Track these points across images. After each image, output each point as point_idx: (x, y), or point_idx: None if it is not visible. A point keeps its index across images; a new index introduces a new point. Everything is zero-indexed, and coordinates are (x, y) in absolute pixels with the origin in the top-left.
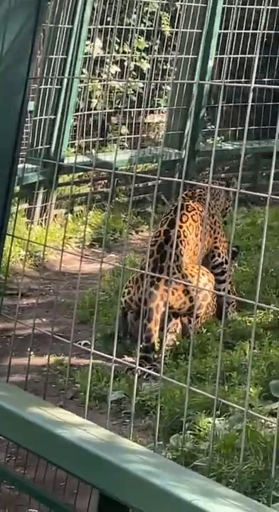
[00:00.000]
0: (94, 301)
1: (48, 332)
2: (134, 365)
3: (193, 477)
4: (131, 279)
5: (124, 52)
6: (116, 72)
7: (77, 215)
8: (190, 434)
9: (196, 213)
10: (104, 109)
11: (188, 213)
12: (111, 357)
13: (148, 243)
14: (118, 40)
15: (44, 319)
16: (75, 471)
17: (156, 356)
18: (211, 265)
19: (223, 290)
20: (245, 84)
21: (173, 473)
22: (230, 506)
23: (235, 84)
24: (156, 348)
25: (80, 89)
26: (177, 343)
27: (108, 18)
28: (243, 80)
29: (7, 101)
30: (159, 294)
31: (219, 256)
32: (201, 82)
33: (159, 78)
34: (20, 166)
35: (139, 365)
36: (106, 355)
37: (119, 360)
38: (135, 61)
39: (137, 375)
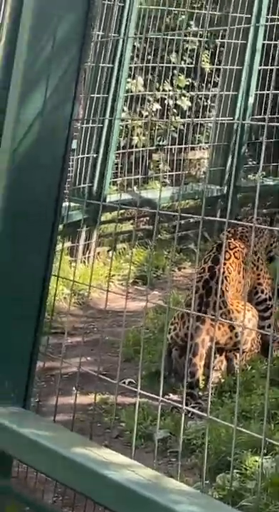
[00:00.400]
0: (138, 338)
1: (93, 372)
2: (180, 405)
3: None
4: (176, 316)
5: (164, 90)
6: (157, 109)
7: (119, 253)
8: (237, 473)
9: (238, 251)
10: (146, 146)
11: (231, 251)
12: (157, 397)
13: (193, 280)
14: (158, 79)
15: (89, 358)
16: (121, 511)
17: (200, 393)
18: (255, 301)
19: (268, 327)
20: None
21: None
22: None
23: (277, 124)
24: (201, 384)
25: (121, 127)
26: (222, 380)
27: (149, 57)
28: None
29: (52, 141)
30: (205, 329)
31: (263, 292)
32: (242, 122)
33: (200, 115)
34: (64, 204)
35: (185, 403)
36: (152, 395)
37: (165, 399)
38: (176, 99)
39: (183, 414)
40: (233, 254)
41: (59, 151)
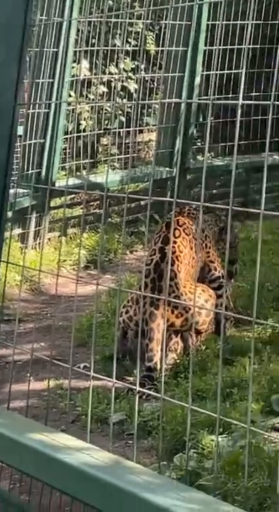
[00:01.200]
0: (91, 323)
1: (47, 356)
2: (134, 387)
3: (198, 496)
4: (130, 299)
5: (110, 73)
6: (103, 92)
7: (70, 238)
8: (193, 452)
9: (187, 227)
10: (94, 130)
11: (180, 227)
12: (111, 380)
13: (144, 263)
14: (104, 62)
15: (42, 343)
16: (79, 495)
17: (158, 376)
18: (208, 279)
19: (221, 305)
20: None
21: (178, 493)
22: None
23: (224, 102)
24: (159, 367)
25: (68, 112)
26: (177, 361)
27: (93, 40)
28: (230, 95)
29: None
30: (159, 314)
31: (216, 270)
32: (188, 101)
33: (147, 97)
34: (11, 191)
35: (142, 384)
36: (106, 378)
37: (119, 382)
38: (122, 81)
39: (137, 396)
40: (183, 230)
41: (3, 136)
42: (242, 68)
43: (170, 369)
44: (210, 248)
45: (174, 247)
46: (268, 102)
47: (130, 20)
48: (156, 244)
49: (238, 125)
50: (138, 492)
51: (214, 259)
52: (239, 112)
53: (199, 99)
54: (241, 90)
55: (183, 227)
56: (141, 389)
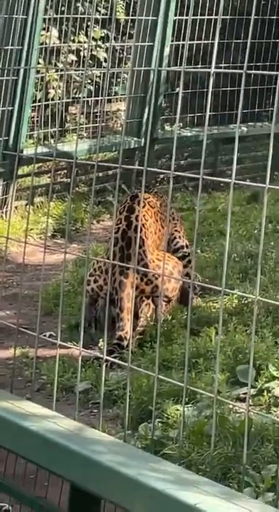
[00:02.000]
0: (58, 292)
1: (13, 325)
2: (101, 355)
3: (163, 465)
4: (97, 268)
5: (79, 41)
6: (73, 61)
7: (37, 206)
8: (159, 422)
9: (152, 201)
10: (62, 99)
11: (145, 200)
12: (77, 348)
13: (112, 232)
14: (73, 30)
15: (8, 312)
16: (44, 463)
17: (127, 344)
18: (172, 248)
19: (186, 275)
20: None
21: (143, 462)
22: (201, 493)
23: (195, 70)
24: (129, 336)
25: (36, 80)
26: (147, 328)
27: (63, 8)
28: (199, 65)
29: None
30: (129, 282)
31: (180, 239)
32: (159, 68)
33: (116, 66)
34: None
35: (112, 351)
36: (72, 346)
37: (86, 350)
38: (91, 50)
39: (104, 365)
40: (148, 203)
41: None
42: (215, 39)
43: (142, 332)
44: (177, 221)
45: (138, 215)
46: (241, 71)
47: None
48: (121, 214)
49: (209, 95)
50: (103, 460)
51: (180, 228)
52: (211, 81)
53: (170, 68)
54: (213, 60)
55: (148, 200)
56: (108, 357)
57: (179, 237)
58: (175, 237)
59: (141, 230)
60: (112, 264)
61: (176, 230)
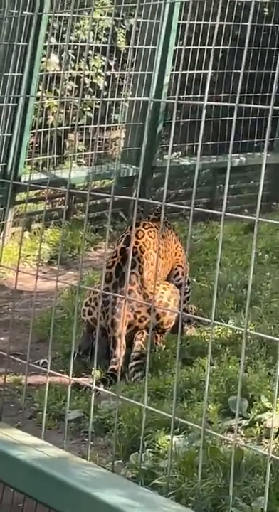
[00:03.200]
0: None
1: (4, 352)
2: (90, 385)
3: (150, 496)
4: (92, 298)
5: (80, 69)
6: (72, 88)
7: (35, 233)
8: (149, 452)
9: (153, 230)
10: (61, 125)
11: (145, 230)
12: (67, 377)
13: (104, 262)
14: (74, 58)
15: (2, 338)
16: (31, 492)
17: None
18: (174, 284)
19: (183, 310)
20: (197, 102)
21: (131, 492)
22: None
23: (189, 102)
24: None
25: (36, 107)
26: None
27: (64, 35)
28: (198, 95)
29: None
30: (121, 321)
31: (182, 275)
32: (154, 100)
33: (116, 94)
34: None
35: (104, 381)
36: (62, 375)
37: (76, 379)
38: (91, 78)
39: (94, 394)
40: (147, 233)
41: None
42: (208, 69)
43: (137, 357)
44: (180, 256)
45: (135, 247)
46: (233, 104)
47: (101, 17)
48: (118, 245)
49: (202, 125)
50: (90, 491)
51: (182, 264)
52: (204, 112)
53: (166, 99)
54: (206, 91)
55: (149, 230)
56: (97, 387)
57: (182, 273)
58: (178, 273)
59: (135, 265)
60: (105, 301)
61: (178, 265)
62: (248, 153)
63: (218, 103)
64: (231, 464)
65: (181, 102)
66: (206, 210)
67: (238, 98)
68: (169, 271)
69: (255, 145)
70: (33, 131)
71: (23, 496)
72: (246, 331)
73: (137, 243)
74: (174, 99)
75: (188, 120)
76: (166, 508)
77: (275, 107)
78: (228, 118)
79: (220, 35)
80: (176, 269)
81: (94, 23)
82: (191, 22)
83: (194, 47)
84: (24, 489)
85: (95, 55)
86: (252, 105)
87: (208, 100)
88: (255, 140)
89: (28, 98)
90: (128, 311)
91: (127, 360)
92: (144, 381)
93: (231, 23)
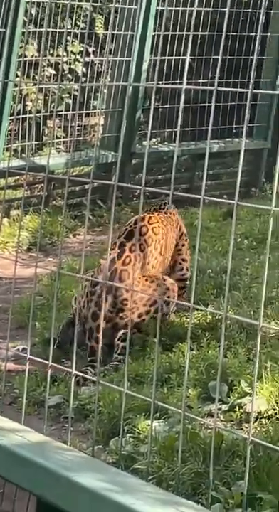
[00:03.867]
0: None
1: None
2: (70, 370)
3: (132, 481)
4: (83, 286)
5: (58, 55)
6: (51, 74)
7: (13, 220)
8: (130, 437)
9: (159, 226)
10: (39, 112)
11: (149, 225)
12: (47, 362)
13: (83, 245)
14: (53, 43)
15: None
16: (11, 477)
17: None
18: (177, 277)
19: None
20: (175, 86)
21: (111, 477)
22: (168, 509)
23: (167, 86)
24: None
25: (15, 93)
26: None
27: (42, 22)
28: (178, 81)
29: None
30: (102, 315)
31: (187, 270)
32: (133, 84)
33: (94, 81)
34: None
35: (85, 372)
36: (42, 361)
37: (56, 365)
38: (70, 64)
39: (73, 380)
40: (152, 229)
41: None
42: (187, 54)
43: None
44: (185, 242)
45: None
46: (212, 88)
47: (79, 3)
48: (119, 238)
49: (181, 110)
50: (70, 475)
51: (187, 258)
52: (182, 97)
53: (143, 84)
54: (185, 75)
55: (154, 225)
56: (77, 372)
57: (186, 268)
58: (182, 268)
59: (130, 261)
60: (90, 291)
61: (183, 260)
62: (227, 140)
63: (197, 87)
64: (211, 449)
65: (160, 86)
66: (185, 194)
67: (216, 82)
68: (168, 264)
69: (234, 131)
70: (12, 117)
71: (3, 481)
72: (226, 316)
73: (139, 240)
74: (150, 84)
75: (167, 106)
76: (145, 492)
77: (254, 91)
78: (206, 104)
79: (198, 21)
80: (180, 263)
81: (72, 10)
82: (170, 8)
83: (173, 33)
84: (4, 474)
85: (73, 41)
86: (231, 89)
87: (187, 85)
88: (234, 126)
89: (6, 84)
90: (110, 306)
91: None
92: (123, 367)
93: (209, 8)
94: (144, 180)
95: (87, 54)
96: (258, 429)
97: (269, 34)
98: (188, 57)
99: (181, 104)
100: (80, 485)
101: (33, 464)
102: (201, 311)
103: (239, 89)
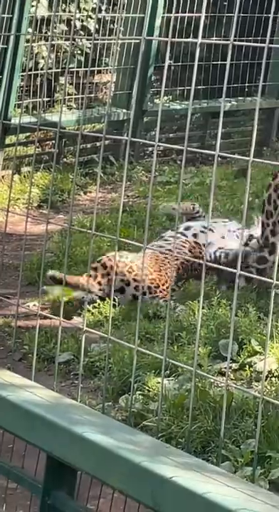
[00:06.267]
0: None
1: None
2: (82, 327)
3: (141, 438)
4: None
5: (70, 11)
6: (63, 31)
7: (24, 176)
8: (139, 394)
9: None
10: (51, 68)
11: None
12: (58, 318)
13: (95, 203)
14: (64, 0)
15: None
16: (21, 433)
17: (107, 314)
18: None
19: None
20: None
21: (121, 434)
22: (177, 466)
23: (182, 40)
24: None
25: (26, 50)
26: None
27: None
28: (190, 39)
29: None
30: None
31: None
32: (146, 38)
33: (106, 37)
34: None
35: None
36: (53, 317)
37: (67, 321)
38: (82, 21)
39: (84, 336)
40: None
41: None
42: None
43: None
44: None
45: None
46: (228, 42)
47: None
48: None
49: (195, 66)
50: (80, 432)
51: None
52: (197, 52)
53: (157, 38)
54: (200, 30)
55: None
56: (88, 329)
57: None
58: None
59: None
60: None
61: None
62: (239, 98)
63: (212, 41)
64: (222, 407)
65: (175, 40)
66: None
67: (232, 36)
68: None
69: (246, 90)
70: (23, 73)
71: (13, 437)
72: (239, 273)
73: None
74: (165, 42)
75: (179, 64)
76: (156, 449)
77: (271, 45)
78: (219, 62)
79: None
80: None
81: None
82: None
83: None
84: (14, 430)
85: None
86: (246, 43)
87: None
88: (247, 84)
89: (18, 40)
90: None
91: None
92: (134, 324)
93: None
94: (158, 138)
95: (100, 10)
96: (268, 387)
97: None
98: (203, 14)
99: (196, 61)
100: (90, 441)
101: (43, 420)
102: (214, 266)
103: (255, 44)
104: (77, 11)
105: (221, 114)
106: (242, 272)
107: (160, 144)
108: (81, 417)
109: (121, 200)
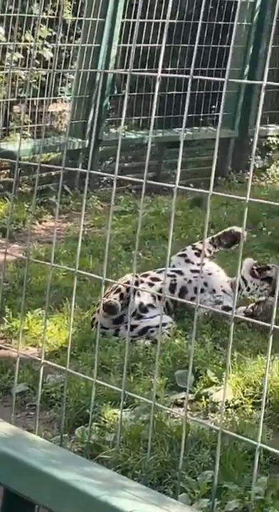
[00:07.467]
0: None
1: None
2: (39, 358)
3: (98, 470)
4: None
5: (26, 40)
6: (19, 59)
7: None
8: (96, 426)
9: None
10: (6, 97)
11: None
12: (15, 350)
13: (54, 232)
14: (20, 29)
15: None
16: None
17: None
18: None
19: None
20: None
21: (78, 466)
22: (135, 499)
23: (141, 73)
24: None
25: None
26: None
27: (10, 6)
28: (146, 68)
29: None
30: None
31: None
32: (105, 71)
33: (62, 67)
34: None
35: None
36: (9, 347)
37: (23, 352)
38: (38, 49)
39: (42, 367)
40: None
41: None
42: (156, 42)
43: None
44: None
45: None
46: (187, 76)
47: None
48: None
49: (156, 98)
50: (36, 465)
51: None
52: (158, 85)
53: (116, 71)
54: (160, 64)
55: None
56: (46, 361)
57: None
58: None
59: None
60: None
61: None
62: (195, 128)
63: (173, 75)
64: (178, 438)
65: (134, 73)
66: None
67: (192, 70)
68: None
69: (201, 119)
70: None
71: None
72: (198, 306)
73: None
74: (123, 70)
75: (135, 94)
76: (113, 481)
77: (230, 80)
78: (174, 92)
79: (166, 9)
80: None
81: None
82: None
83: (142, 20)
84: None
85: (41, 26)
86: (207, 77)
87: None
88: (201, 114)
89: None
90: None
91: None
92: (90, 355)
93: None
94: (114, 168)
95: (55, 40)
96: (225, 418)
97: (235, 23)
98: (163, 45)
99: (156, 92)
100: (47, 475)
101: (2, 454)
102: (172, 299)
103: (215, 79)
104: (33, 39)
105: (181, 145)
106: (201, 305)
107: (119, 176)
108: (38, 450)
109: (80, 230)
